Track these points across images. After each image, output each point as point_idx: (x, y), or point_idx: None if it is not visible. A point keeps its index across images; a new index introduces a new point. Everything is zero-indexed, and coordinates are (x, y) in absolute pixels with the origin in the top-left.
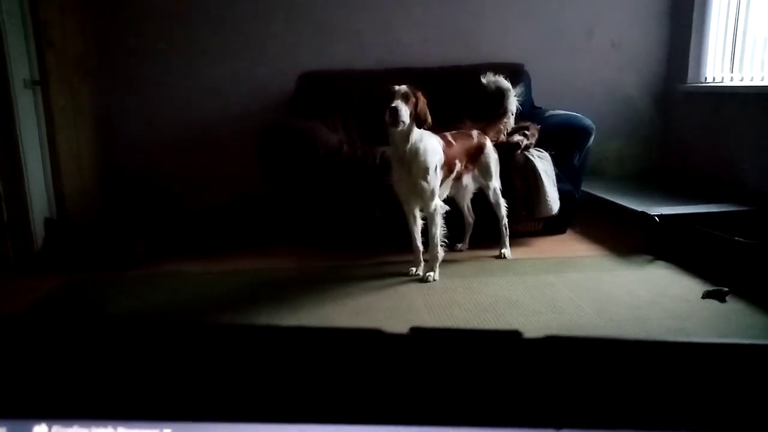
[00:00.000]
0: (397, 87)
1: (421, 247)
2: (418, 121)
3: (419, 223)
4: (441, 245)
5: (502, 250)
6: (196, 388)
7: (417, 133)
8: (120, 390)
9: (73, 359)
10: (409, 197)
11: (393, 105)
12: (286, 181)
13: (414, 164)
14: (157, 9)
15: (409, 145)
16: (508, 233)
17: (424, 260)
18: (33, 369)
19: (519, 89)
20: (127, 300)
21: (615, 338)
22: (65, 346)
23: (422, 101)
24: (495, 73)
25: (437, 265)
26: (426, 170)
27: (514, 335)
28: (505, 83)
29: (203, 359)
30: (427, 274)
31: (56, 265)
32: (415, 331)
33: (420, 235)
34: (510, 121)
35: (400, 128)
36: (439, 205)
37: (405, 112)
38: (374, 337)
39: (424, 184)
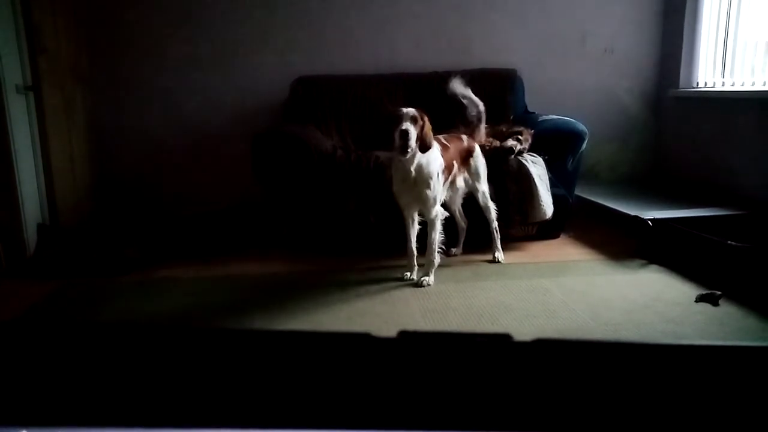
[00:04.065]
0: (405, 109)
1: (415, 252)
2: (423, 146)
3: (416, 228)
4: (438, 251)
5: (495, 254)
6: (182, 394)
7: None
8: (105, 396)
9: (56, 365)
10: (411, 205)
11: (403, 128)
12: (281, 186)
13: (419, 176)
14: (150, 14)
15: (414, 163)
16: (499, 236)
17: (417, 265)
18: (16, 375)
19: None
20: (119, 306)
21: (604, 341)
22: (47, 353)
23: (427, 125)
24: (460, 82)
25: (433, 270)
26: (430, 179)
27: (504, 338)
28: (462, 90)
29: (190, 364)
30: (423, 278)
31: (49, 271)
32: (404, 334)
33: (415, 240)
34: (480, 127)
35: (408, 155)
36: (440, 212)
37: (413, 135)
38: (363, 341)
39: (428, 192)
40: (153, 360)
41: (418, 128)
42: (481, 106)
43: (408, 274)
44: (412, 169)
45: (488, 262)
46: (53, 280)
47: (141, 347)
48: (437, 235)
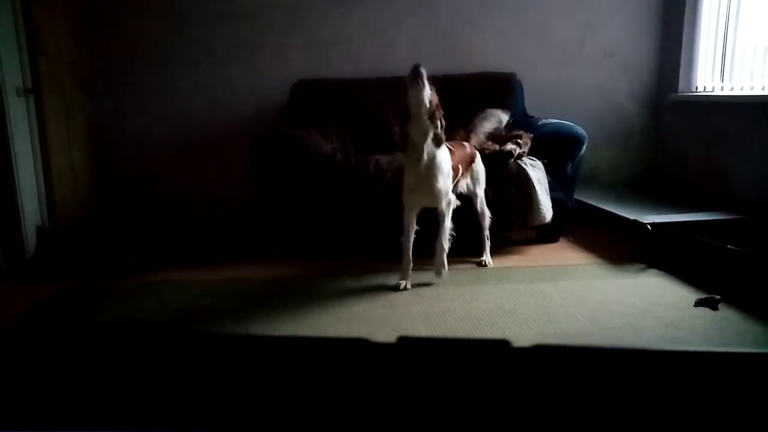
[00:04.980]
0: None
1: (411, 260)
2: (436, 139)
3: (413, 235)
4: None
5: (484, 258)
6: (179, 399)
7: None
8: (100, 400)
9: (50, 369)
10: (419, 198)
11: (417, 64)
12: (280, 189)
13: (431, 165)
14: (151, 16)
15: (427, 149)
16: (489, 243)
17: (415, 267)
18: (12, 379)
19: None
20: (118, 309)
21: (602, 347)
22: (41, 357)
23: (438, 106)
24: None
25: (445, 259)
26: (441, 171)
27: (503, 344)
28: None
29: (186, 369)
30: (439, 270)
31: (48, 274)
32: (403, 340)
33: (411, 247)
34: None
35: (418, 87)
36: (452, 199)
37: (425, 77)
38: (361, 346)
39: (439, 184)
40: (148, 364)
41: (433, 95)
42: (502, 115)
43: (403, 282)
44: (425, 153)
45: (476, 265)
46: (52, 283)
47: (136, 352)
48: (449, 224)
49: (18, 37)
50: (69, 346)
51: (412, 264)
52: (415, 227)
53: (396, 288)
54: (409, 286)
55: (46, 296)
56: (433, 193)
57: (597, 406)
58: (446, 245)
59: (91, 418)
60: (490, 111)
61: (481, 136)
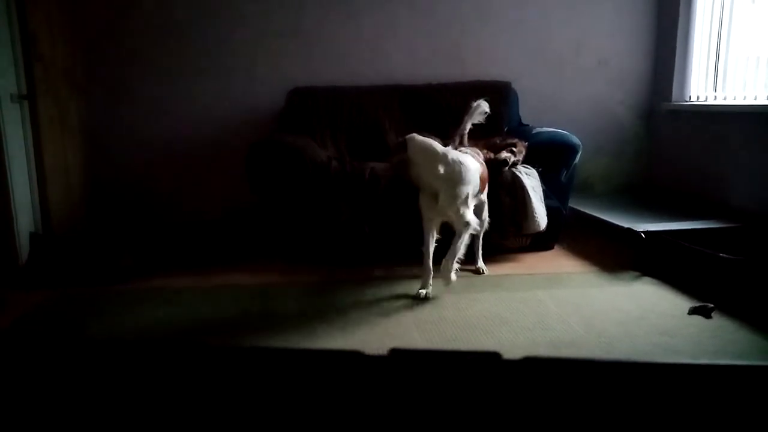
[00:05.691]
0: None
1: (432, 269)
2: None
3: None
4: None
5: (478, 265)
6: (167, 409)
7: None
8: (81, 409)
9: (35, 379)
10: (445, 215)
11: None
12: (276, 196)
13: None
14: (147, 23)
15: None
16: (481, 250)
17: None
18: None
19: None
20: (114, 315)
21: (592, 359)
22: (25, 366)
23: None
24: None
25: (452, 268)
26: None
27: (493, 356)
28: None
29: (175, 381)
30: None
31: (42, 280)
32: (395, 352)
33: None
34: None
35: None
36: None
37: None
38: (354, 358)
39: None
40: (138, 375)
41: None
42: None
43: (424, 291)
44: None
45: (472, 272)
46: (45, 289)
47: (125, 362)
48: (463, 241)
49: (13, 43)
50: (60, 355)
51: (432, 272)
52: (437, 236)
53: (417, 296)
54: (429, 295)
55: (40, 302)
56: (460, 210)
57: (586, 418)
58: (458, 255)
59: (80, 426)
60: (475, 105)
61: (466, 131)
